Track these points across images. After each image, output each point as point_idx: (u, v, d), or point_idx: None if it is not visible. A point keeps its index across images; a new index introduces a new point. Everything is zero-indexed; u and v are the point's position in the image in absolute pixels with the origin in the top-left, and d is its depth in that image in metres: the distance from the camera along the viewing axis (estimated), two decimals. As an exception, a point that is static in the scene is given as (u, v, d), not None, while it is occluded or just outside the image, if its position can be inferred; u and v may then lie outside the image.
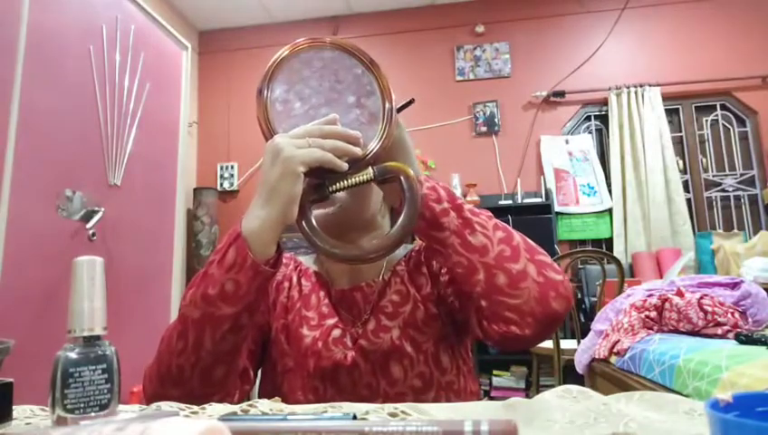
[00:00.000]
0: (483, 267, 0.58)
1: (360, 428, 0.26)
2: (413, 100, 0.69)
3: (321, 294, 0.76)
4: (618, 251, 3.52)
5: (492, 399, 3.30)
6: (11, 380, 0.38)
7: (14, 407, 0.38)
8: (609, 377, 1.64)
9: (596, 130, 3.90)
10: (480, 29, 3.97)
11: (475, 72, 3.97)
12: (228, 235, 0.60)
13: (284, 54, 0.62)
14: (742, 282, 1.62)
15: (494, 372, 3.34)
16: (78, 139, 2.01)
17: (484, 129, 3.89)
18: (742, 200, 3.65)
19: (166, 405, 0.40)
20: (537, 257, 0.60)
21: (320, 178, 0.59)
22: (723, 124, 3.74)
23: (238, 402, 0.62)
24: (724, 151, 3.71)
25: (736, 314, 1.51)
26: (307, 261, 0.83)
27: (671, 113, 3.79)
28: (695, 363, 1.23)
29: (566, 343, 2.45)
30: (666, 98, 3.71)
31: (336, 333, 0.71)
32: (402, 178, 0.58)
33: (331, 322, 0.72)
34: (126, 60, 2.27)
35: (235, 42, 4.17)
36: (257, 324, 0.75)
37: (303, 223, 0.59)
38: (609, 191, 3.69)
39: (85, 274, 0.36)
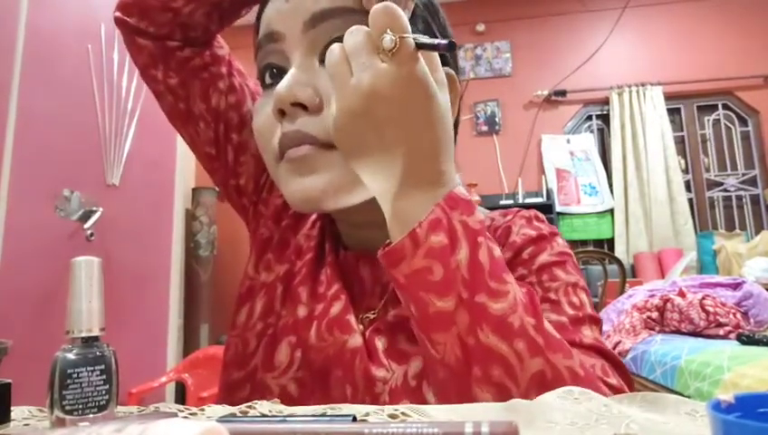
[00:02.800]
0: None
1: (360, 430, 0.26)
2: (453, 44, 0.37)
3: (331, 258, 0.53)
4: (619, 251, 3.52)
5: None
6: (9, 380, 0.37)
7: (12, 408, 0.38)
8: (610, 377, 1.64)
9: (597, 129, 3.90)
10: (481, 28, 3.97)
11: (475, 71, 3.97)
12: None
13: None
14: (744, 282, 1.62)
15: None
16: (76, 138, 2.01)
17: (484, 128, 3.89)
18: (744, 200, 3.65)
19: (164, 406, 0.39)
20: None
21: None
22: (725, 124, 3.74)
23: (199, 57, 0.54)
24: (726, 151, 3.70)
25: (738, 315, 1.51)
26: None
27: (673, 113, 3.79)
28: (696, 364, 1.23)
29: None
30: (667, 97, 3.70)
31: (335, 314, 0.49)
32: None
33: (336, 307, 0.49)
34: (124, 59, 2.26)
35: (234, 40, 4.16)
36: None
37: None
38: (611, 191, 3.69)
39: (83, 274, 0.35)
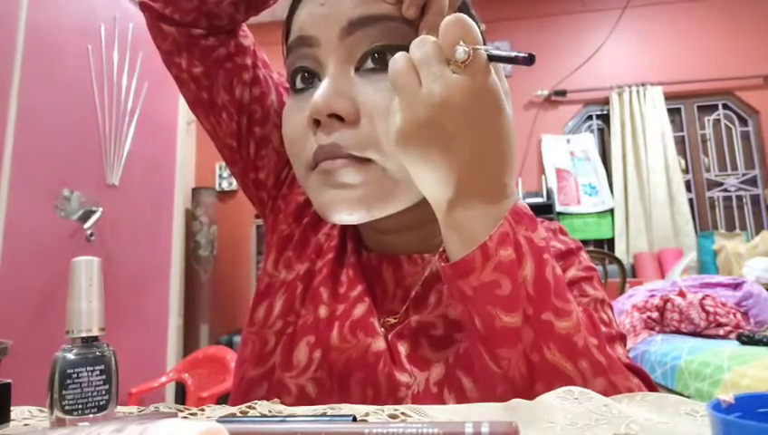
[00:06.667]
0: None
1: (360, 430, 0.26)
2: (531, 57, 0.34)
3: (353, 259, 0.53)
4: (619, 251, 3.51)
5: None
6: (9, 380, 0.37)
7: (12, 408, 0.38)
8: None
9: (598, 129, 3.89)
10: (481, 27, 3.97)
11: (475, 71, 3.97)
12: None
13: None
14: (744, 282, 1.62)
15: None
16: (76, 138, 2.01)
17: (484, 128, 3.89)
18: (744, 200, 3.64)
19: (164, 406, 0.39)
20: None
21: None
22: (725, 124, 3.74)
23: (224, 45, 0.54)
24: (726, 151, 3.70)
25: (738, 315, 1.51)
26: None
27: (673, 113, 3.79)
28: (696, 364, 1.23)
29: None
30: (667, 97, 3.70)
31: (359, 315, 0.48)
32: None
33: (360, 309, 0.49)
34: (124, 59, 2.27)
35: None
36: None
37: None
38: (611, 191, 3.68)
39: (83, 274, 0.35)
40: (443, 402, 0.44)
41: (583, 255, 0.52)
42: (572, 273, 0.50)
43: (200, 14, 0.51)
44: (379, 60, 0.44)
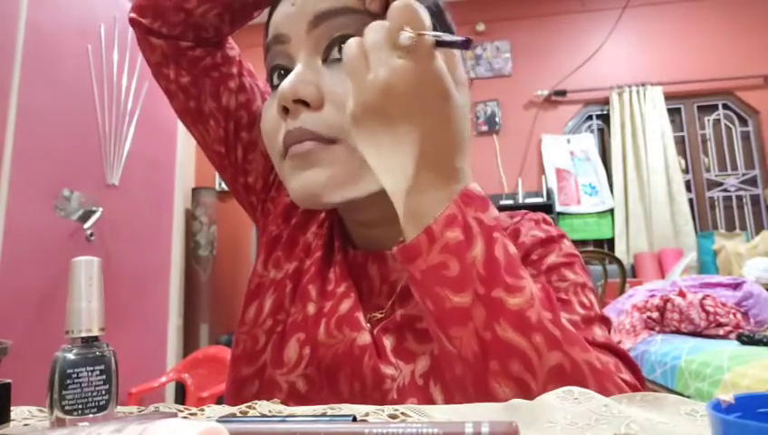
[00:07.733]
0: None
1: (360, 430, 0.26)
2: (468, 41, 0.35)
3: (339, 256, 0.54)
4: (619, 251, 3.51)
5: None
6: (9, 380, 0.37)
7: (12, 408, 0.38)
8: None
9: (598, 129, 3.89)
10: (481, 27, 3.97)
11: (475, 70, 3.97)
12: None
13: None
14: (744, 282, 1.62)
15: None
16: (76, 138, 2.01)
17: (484, 128, 3.88)
18: (744, 200, 3.64)
19: (164, 406, 0.39)
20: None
21: None
22: (725, 124, 3.73)
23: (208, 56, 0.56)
24: (726, 151, 3.70)
25: (738, 315, 1.51)
26: None
27: (673, 113, 3.79)
28: (696, 364, 1.23)
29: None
30: (667, 97, 3.70)
31: (344, 311, 0.50)
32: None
33: (345, 305, 0.50)
34: (124, 59, 2.27)
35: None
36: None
37: None
38: (611, 191, 3.68)
39: (83, 274, 0.35)
40: (429, 394, 0.44)
41: (566, 242, 0.52)
42: (552, 259, 0.50)
43: (187, 27, 0.54)
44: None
